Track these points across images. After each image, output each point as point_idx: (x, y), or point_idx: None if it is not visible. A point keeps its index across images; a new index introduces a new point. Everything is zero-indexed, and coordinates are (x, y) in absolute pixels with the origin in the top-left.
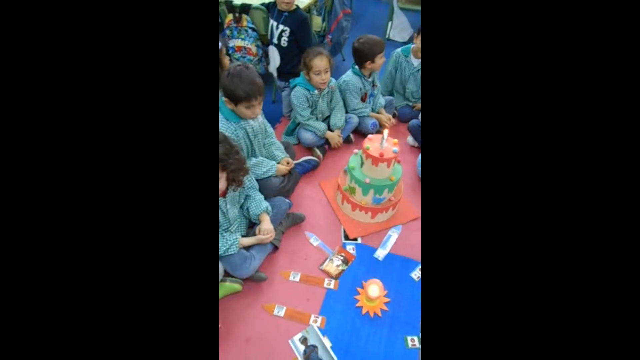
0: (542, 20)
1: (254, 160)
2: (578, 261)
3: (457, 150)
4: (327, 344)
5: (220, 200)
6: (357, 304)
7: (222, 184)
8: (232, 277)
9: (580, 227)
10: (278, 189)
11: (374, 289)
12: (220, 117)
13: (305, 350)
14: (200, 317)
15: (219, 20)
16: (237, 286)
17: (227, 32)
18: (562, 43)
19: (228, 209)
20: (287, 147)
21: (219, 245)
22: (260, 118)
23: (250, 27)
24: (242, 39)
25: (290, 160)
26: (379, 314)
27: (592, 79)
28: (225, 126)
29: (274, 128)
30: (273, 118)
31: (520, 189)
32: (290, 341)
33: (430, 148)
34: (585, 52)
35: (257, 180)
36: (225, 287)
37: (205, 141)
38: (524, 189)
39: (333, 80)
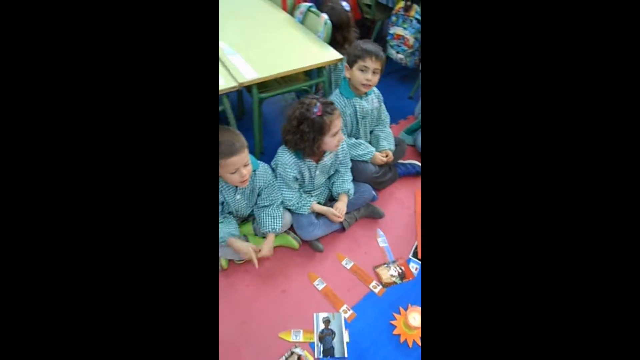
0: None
1: (353, 140)
2: (576, 270)
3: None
4: (345, 338)
5: (312, 165)
6: (393, 321)
7: (335, 139)
8: (296, 234)
9: (578, 235)
10: (371, 177)
11: (416, 317)
12: (336, 91)
13: (323, 330)
14: (200, 311)
15: (392, 5)
16: (295, 243)
17: (393, 18)
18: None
19: (317, 174)
20: (399, 143)
21: (294, 200)
22: (377, 103)
23: (416, 19)
24: (404, 28)
25: (390, 153)
26: (410, 343)
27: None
28: (337, 99)
29: (397, 123)
30: (402, 113)
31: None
32: (315, 314)
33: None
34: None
35: (354, 163)
36: (286, 238)
37: (205, 133)
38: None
39: None
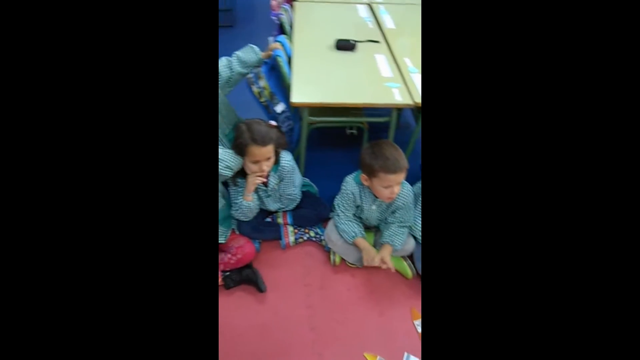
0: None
1: None
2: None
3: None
4: None
5: (416, 186)
6: None
7: None
8: (413, 264)
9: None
10: None
11: None
12: None
13: None
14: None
15: None
16: (409, 271)
17: None
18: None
19: None
20: None
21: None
22: None
23: None
24: None
25: None
26: None
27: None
28: None
29: None
30: None
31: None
32: (406, 354)
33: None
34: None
35: None
36: (401, 263)
37: (205, 135)
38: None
39: None
